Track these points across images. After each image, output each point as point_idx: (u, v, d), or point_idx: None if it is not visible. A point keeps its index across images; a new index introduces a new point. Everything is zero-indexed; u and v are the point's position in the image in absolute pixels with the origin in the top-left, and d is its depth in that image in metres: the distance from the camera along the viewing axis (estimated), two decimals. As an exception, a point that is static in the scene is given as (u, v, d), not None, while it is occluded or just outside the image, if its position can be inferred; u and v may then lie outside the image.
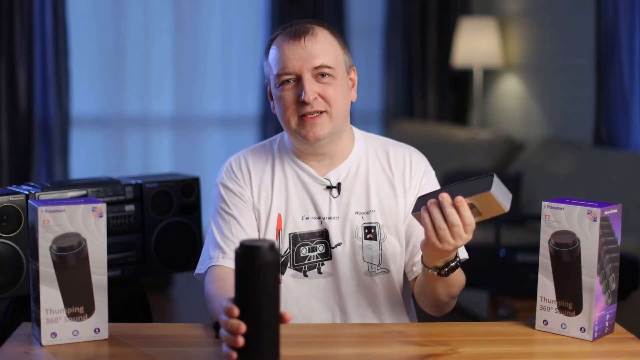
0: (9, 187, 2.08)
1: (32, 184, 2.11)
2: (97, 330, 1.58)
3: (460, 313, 4.11)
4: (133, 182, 2.21)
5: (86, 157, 5.30)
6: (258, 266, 1.33)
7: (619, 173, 3.75)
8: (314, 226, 1.82)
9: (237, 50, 5.45)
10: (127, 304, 2.20)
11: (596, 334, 1.63)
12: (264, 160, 1.89)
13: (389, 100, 5.62)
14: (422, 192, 1.83)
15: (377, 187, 1.85)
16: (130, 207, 2.18)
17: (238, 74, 5.47)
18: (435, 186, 1.89)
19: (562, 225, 1.62)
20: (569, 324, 1.64)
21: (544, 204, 1.65)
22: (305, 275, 1.81)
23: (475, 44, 5.14)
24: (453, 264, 1.65)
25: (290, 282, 1.81)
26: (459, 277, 1.73)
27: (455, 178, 4.60)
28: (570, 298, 1.63)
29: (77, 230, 1.54)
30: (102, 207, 1.55)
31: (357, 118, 5.28)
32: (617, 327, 1.70)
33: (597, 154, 4.00)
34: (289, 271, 1.82)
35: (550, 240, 1.64)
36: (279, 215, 1.82)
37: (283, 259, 1.81)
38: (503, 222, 3.31)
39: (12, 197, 1.98)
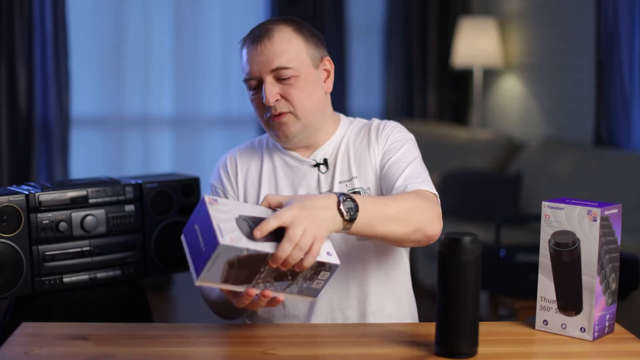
0: (9, 187, 2.08)
1: (32, 184, 2.10)
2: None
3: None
4: (133, 182, 2.20)
5: (86, 157, 5.30)
6: (461, 260, 1.46)
7: (619, 173, 3.75)
8: None
9: (237, 50, 5.43)
10: (127, 304, 2.19)
11: (596, 334, 1.62)
12: (252, 155, 1.94)
13: (389, 100, 5.62)
14: (393, 143, 1.83)
15: (357, 154, 1.87)
16: (130, 207, 2.18)
17: (238, 74, 5.46)
18: (402, 144, 1.85)
19: (562, 225, 1.62)
20: (569, 324, 1.64)
21: (544, 204, 1.65)
22: None
23: (475, 44, 5.14)
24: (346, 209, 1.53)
25: None
26: (377, 215, 1.60)
27: (455, 178, 4.60)
28: (570, 298, 1.63)
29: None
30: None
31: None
32: (617, 327, 1.70)
33: (597, 154, 3.99)
34: None
35: (550, 240, 1.64)
36: None
37: None
38: (503, 222, 3.31)
39: (12, 197, 1.98)
